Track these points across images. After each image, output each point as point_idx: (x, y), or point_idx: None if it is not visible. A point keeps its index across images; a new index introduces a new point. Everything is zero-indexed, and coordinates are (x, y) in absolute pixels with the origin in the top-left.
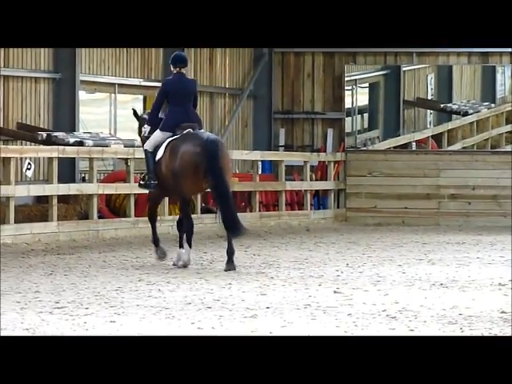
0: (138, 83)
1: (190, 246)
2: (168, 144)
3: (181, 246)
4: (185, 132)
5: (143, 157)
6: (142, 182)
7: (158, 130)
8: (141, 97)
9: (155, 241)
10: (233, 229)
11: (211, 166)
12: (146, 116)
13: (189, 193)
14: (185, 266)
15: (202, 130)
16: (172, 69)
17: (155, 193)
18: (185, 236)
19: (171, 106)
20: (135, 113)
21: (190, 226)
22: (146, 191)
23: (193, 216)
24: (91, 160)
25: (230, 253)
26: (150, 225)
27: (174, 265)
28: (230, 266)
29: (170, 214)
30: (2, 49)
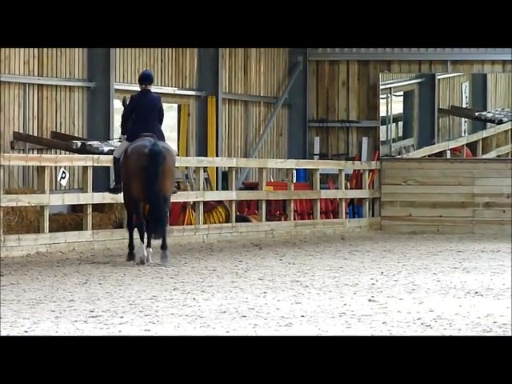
0: (172, 92)
1: (143, 242)
2: (125, 151)
3: (148, 246)
4: (138, 140)
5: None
6: (111, 188)
7: (124, 140)
8: (175, 105)
9: (130, 251)
10: (155, 231)
11: (147, 172)
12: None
13: (135, 194)
14: (142, 262)
15: (153, 140)
16: (139, 86)
17: (126, 197)
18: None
19: (136, 118)
20: (124, 102)
21: (141, 224)
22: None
23: (227, 225)
24: None
25: (164, 251)
26: (127, 233)
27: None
28: (165, 260)
29: (204, 223)
30: (37, 58)
